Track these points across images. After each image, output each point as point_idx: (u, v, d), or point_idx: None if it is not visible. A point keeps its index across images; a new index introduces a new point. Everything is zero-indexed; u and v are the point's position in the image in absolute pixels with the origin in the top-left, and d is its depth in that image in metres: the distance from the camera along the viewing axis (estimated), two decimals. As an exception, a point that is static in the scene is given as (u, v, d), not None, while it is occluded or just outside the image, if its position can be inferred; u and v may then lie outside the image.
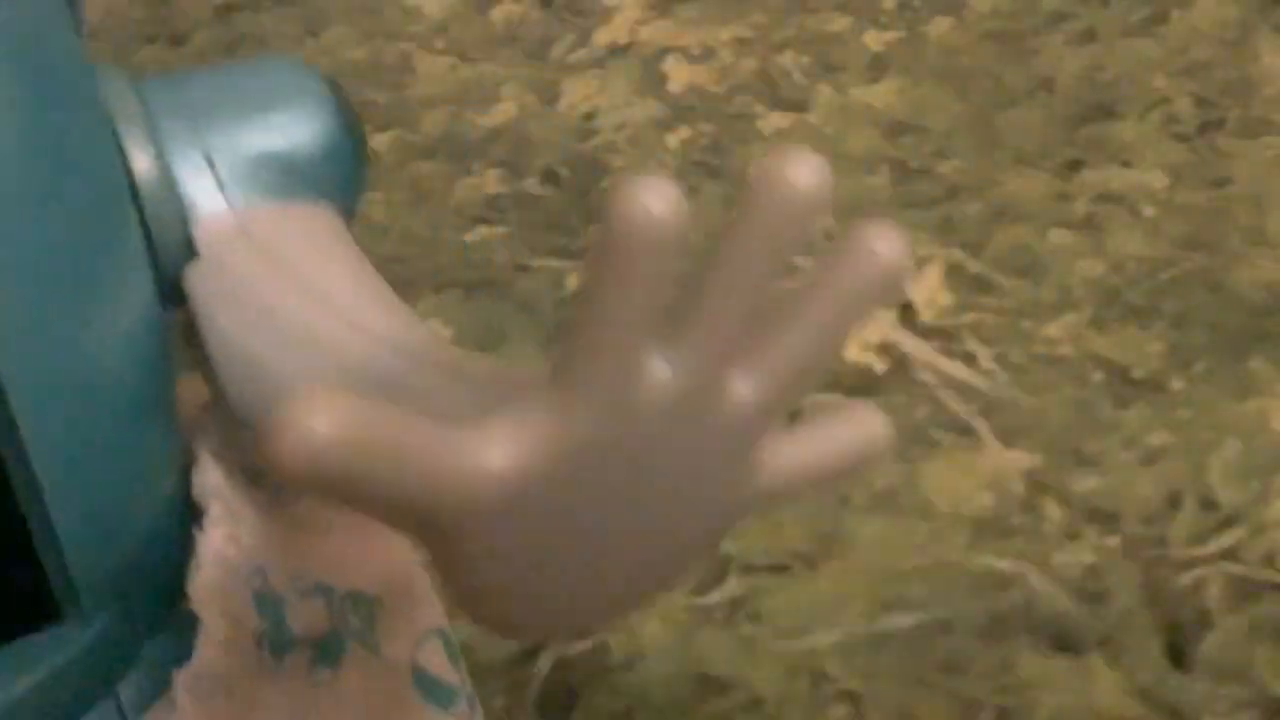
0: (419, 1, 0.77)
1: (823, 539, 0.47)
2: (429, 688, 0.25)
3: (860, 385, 0.53)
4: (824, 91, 0.71)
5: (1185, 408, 0.51)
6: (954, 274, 0.58)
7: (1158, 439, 0.50)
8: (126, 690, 0.23)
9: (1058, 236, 0.59)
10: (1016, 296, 0.56)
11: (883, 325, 0.55)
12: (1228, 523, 0.47)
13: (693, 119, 0.69)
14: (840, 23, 0.76)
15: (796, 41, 0.74)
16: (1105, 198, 0.61)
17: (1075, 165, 0.63)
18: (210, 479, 0.24)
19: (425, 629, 0.26)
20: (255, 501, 0.24)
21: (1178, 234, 0.58)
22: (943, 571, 0.46)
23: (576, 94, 0.71)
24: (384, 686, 0.24)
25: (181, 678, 0.22)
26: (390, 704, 0.24)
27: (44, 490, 0.21)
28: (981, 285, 0.57)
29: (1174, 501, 0.48)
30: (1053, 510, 0.48)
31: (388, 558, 0.26)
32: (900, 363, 0.54)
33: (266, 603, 0.24)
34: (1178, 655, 0.43)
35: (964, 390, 0.52)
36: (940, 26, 0.75)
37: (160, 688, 0.23)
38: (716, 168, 0.66)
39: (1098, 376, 0.53)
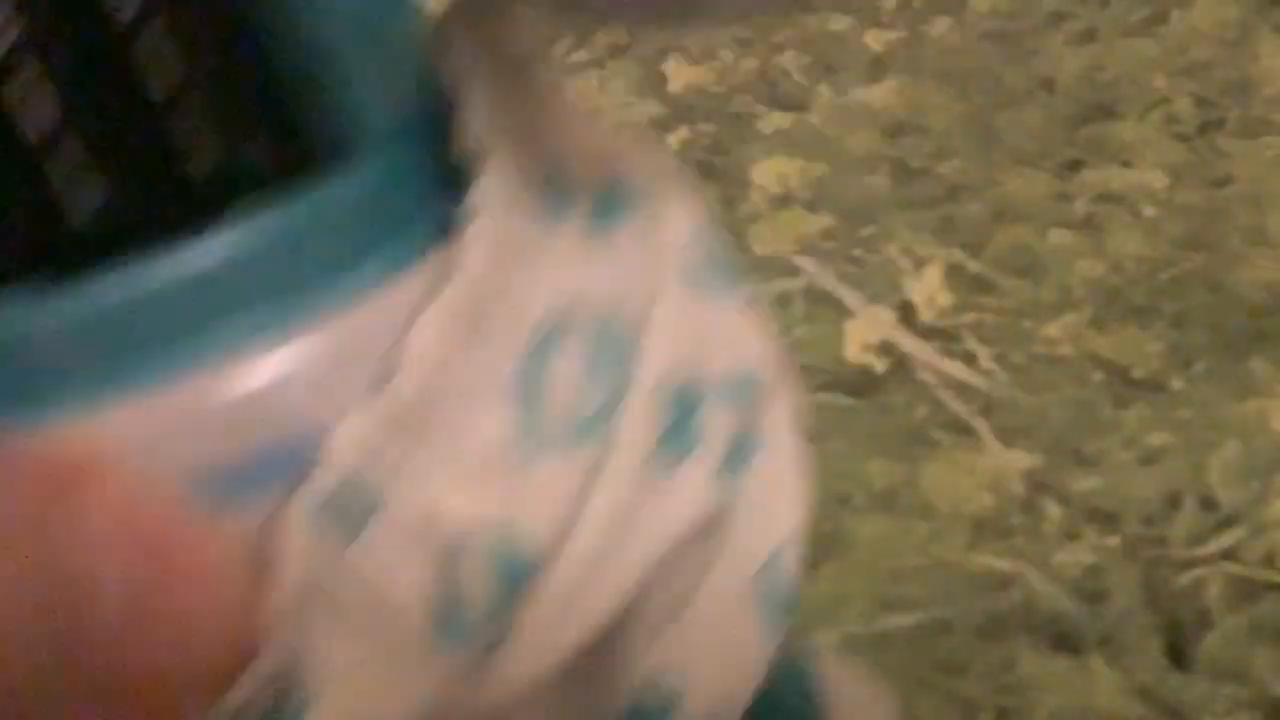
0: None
1: (823, 539, 0.47)
2: (705, 270, 0.24)
3: (860, 385, 0.53)
4: (824, 92, 0.71)
5: (1185, 408, 0.51)
6: (954, 274, 0.58)
7: (1158, 439, 0.50)
8: (401, 241, 0.22)
9: (1058, 236, 0.59)
10: (1016, 296, 0.56)
11: (883, 325, 0.55)
12: (1228, 523, 0.47)
13: (693, 119, 0.69)
14: (840, 23, 0.76)
15: (796, 41, 0.74)
16: (1105, 198, 0.61)
17: (1075, 165, 0.63)
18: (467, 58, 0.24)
19: (695, 221, 0.25)
20: (515, 89, 0.24)
21: (1178, 234, 0.58)
22: (943, 571, 0.46)
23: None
24: (661, 259, 0.24)
25: (459, 222, 0.21)
26: (667, 273, 0.23)
27: (318, 31, 0.21)
28: (981, 285, 0.57)
29: (1174, 501, 0.48)
30: (1053, 510, 0.48)
31: (641, 149, 0.26)
32: (900, 363, 0.54)
33: (545, 162, 0.23)
34: (1178, 655, 0.43)
35: (964, 390, 0.52)
36: (940, 26, 0.75)
37: (436, 239, 0.22)
38: (716, 167, 0.66)
39: (1098, 376, 0.53)
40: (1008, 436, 0.50)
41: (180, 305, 0.19)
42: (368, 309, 0.20)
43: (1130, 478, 0.49)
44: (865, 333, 0.55)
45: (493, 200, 0.21)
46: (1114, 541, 0.47)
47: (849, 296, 0.57)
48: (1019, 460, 0.49)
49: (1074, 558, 0.46)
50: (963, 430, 0.51)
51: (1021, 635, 0.44)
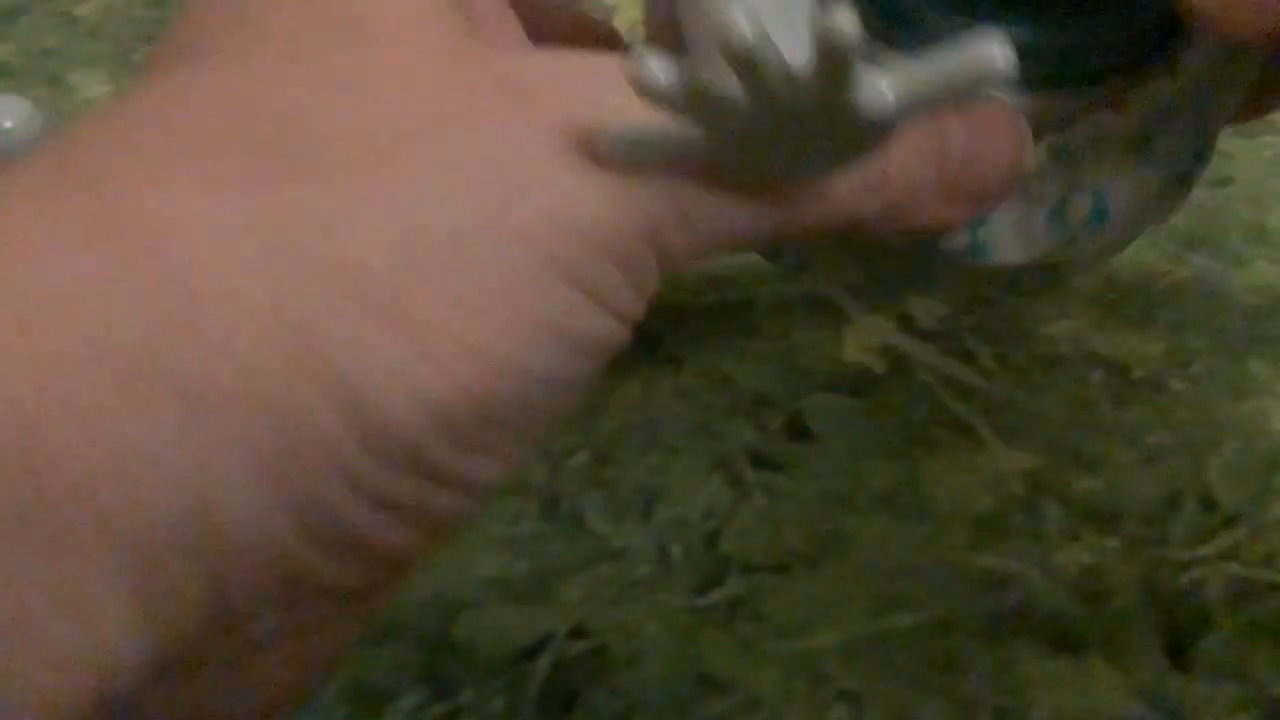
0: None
1: (823, 539, 0.47)
2: None
3: (860, 385, 0.53)
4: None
5: (1185, 408, 0.51)
6: (954, 274, 0.58)
7: (1158, 439, 0.50)
8: None
9: (1058, 236, 0.59)
10: (1014, 299, 0.56)
11: (882, 329, 0.55)
12: (1228, 523, 0.47)
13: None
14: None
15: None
16: (1105, 198, 0.61)
17: (1075, 165, 0.63)
18: None
19: None
20: None
21: (1178, 234, 0.58)
22: (943, 571, 0.46)
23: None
24: None
25: None
26: None
27: None
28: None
29: (1174, 501, 0.48)
30: (1053, 510, 0.48)
31: None
32: (900, 362, 0.54)
33: None
34: (1178, 655, 0.43)
35: (964, 390, 0.52)
36: (940, 27, 0.75)
37: None
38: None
39: (1097, 376, 0.53)
40: (1008, 436, 0.50)
41: None
42: None
43: (1130, 478, 0.49)
44: (864, 335, 0.55)
45: None
46: (1114, 541, 0.47)
47: (849, 304, 0.57)
48: (1019, 460, 0.49)
49: (1074, 558, 0.46)
50: (963, 430, 0.51)
51: (1021, 635, 0.44)
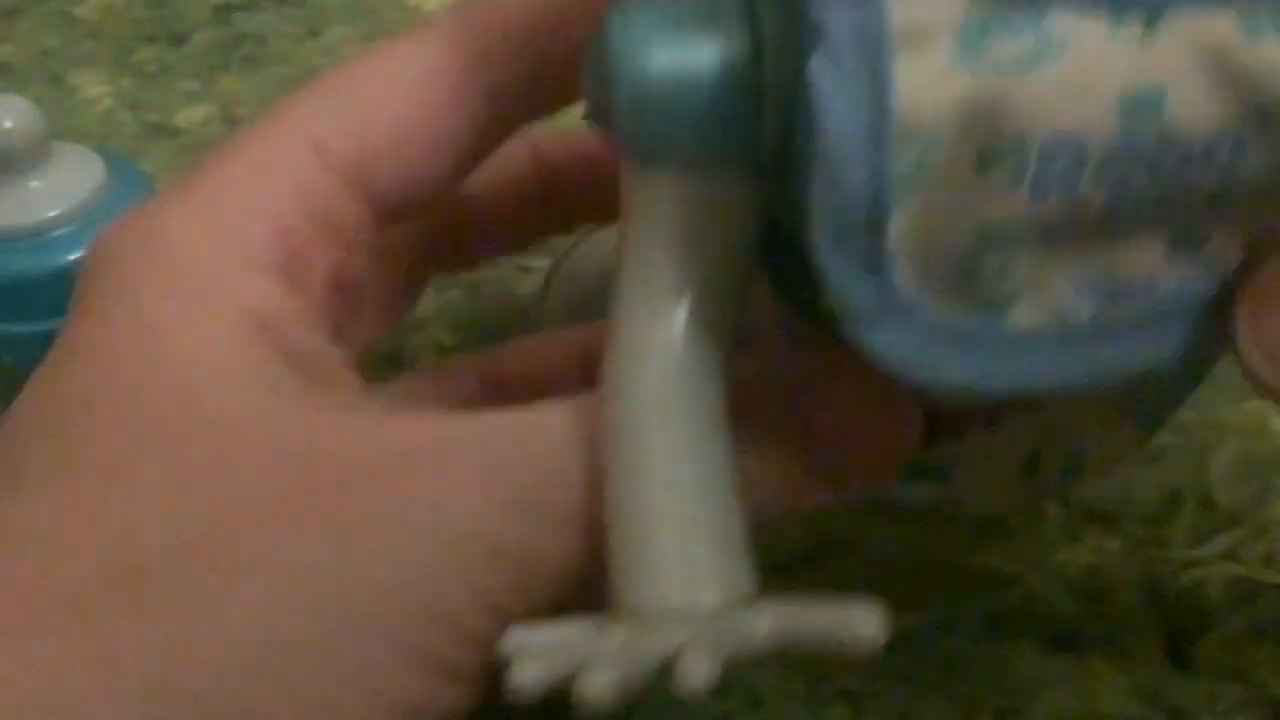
0: (419, 1, 0.77)
1: (822, 539, 0.47)
2: None
3: (860, 385, 0.53)
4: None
5: (1185, 408, 0.51)
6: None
7: (1158, 439, 0.50)
8: None
9: (1058, 236, 0.59)
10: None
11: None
12: (1228, 523, 0.47)
13: (693, 119, 0.69)
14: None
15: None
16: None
17: (1075, 165, 0.63)
18: None
19: None
20: None
21: (1178, 234, 0.58)
22: (943, 571, 0.46)
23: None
24: None
25: None
26: None
27: None
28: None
29: (1174, 501, 0.48)
30: (1053, 510, 0.48)
31: None
32: (900, 363, 0.54)
33: None
34: (1178, 655, 0.43)
35: (964, 390, 0.52)
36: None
37: None
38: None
39: (1098, 376, 0.52)
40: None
41: None
42: None
43: (1130, 478, 0.49)
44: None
45: None
46: (1114, 542, 0.47)
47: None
48: (1019, 460, 0.49)
49: (1074, 558, 0.46)
50: (963, 430, 0.51)
51: (1021, 635, 0.44)
